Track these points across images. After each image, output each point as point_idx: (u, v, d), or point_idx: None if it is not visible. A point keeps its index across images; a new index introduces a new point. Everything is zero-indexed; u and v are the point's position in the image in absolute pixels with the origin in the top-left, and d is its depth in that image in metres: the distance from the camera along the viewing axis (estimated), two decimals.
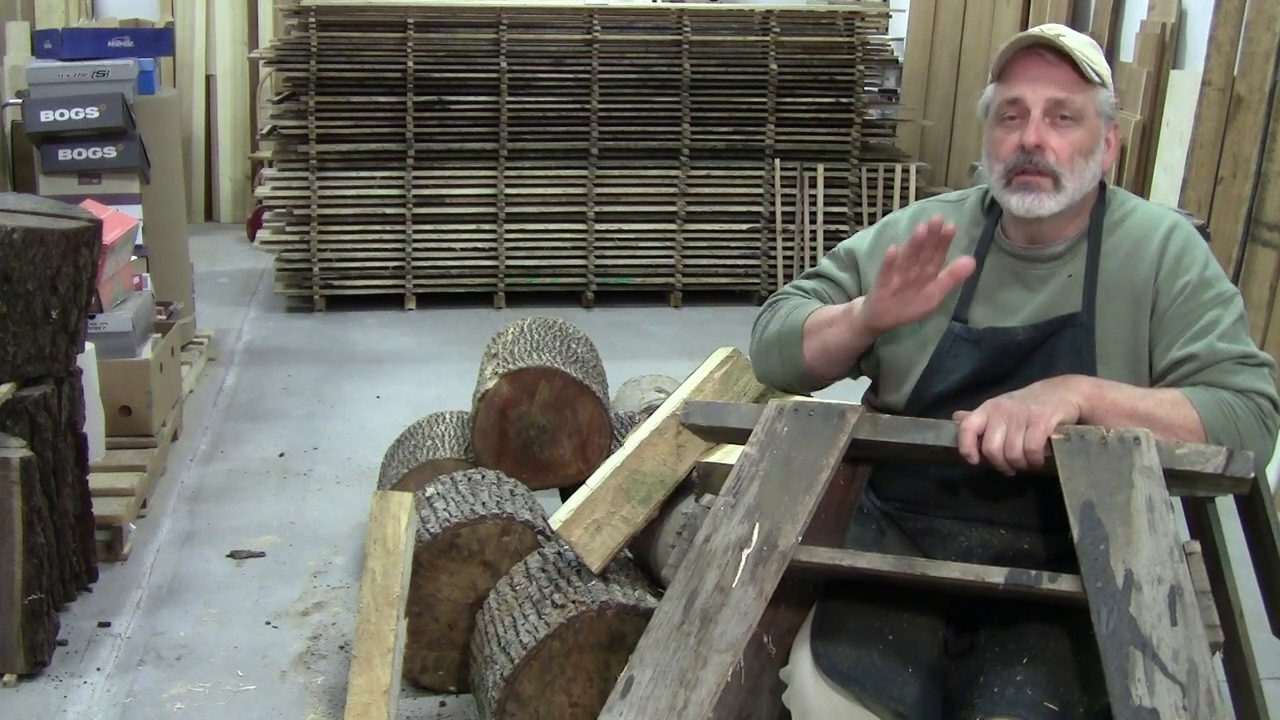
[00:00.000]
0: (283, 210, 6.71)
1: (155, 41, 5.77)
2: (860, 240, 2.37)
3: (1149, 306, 2.10)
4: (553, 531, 2.84)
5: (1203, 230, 2.76)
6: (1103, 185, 2.22)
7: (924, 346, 2.21)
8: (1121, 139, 5.94)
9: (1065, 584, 1.89)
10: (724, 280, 7.04)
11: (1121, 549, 1.85)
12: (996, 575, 1.92)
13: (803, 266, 6.96)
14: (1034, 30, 2.15)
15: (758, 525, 2.00)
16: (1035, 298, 2.16)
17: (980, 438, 1.96)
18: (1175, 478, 1.95)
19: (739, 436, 2.20)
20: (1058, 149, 2.10)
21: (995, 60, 2.18)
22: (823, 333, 2.22)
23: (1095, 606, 1.83)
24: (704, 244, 6.98)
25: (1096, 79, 2.12)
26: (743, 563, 1.97)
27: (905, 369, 2.22)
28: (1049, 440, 1.94)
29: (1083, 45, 2.13)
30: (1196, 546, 1.97)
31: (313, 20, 6.52)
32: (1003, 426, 1.94)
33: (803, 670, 2.02)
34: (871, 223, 7.32)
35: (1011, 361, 2.14)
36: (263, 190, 6.94)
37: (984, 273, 2.20)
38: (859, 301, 2.19)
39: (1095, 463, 1.92)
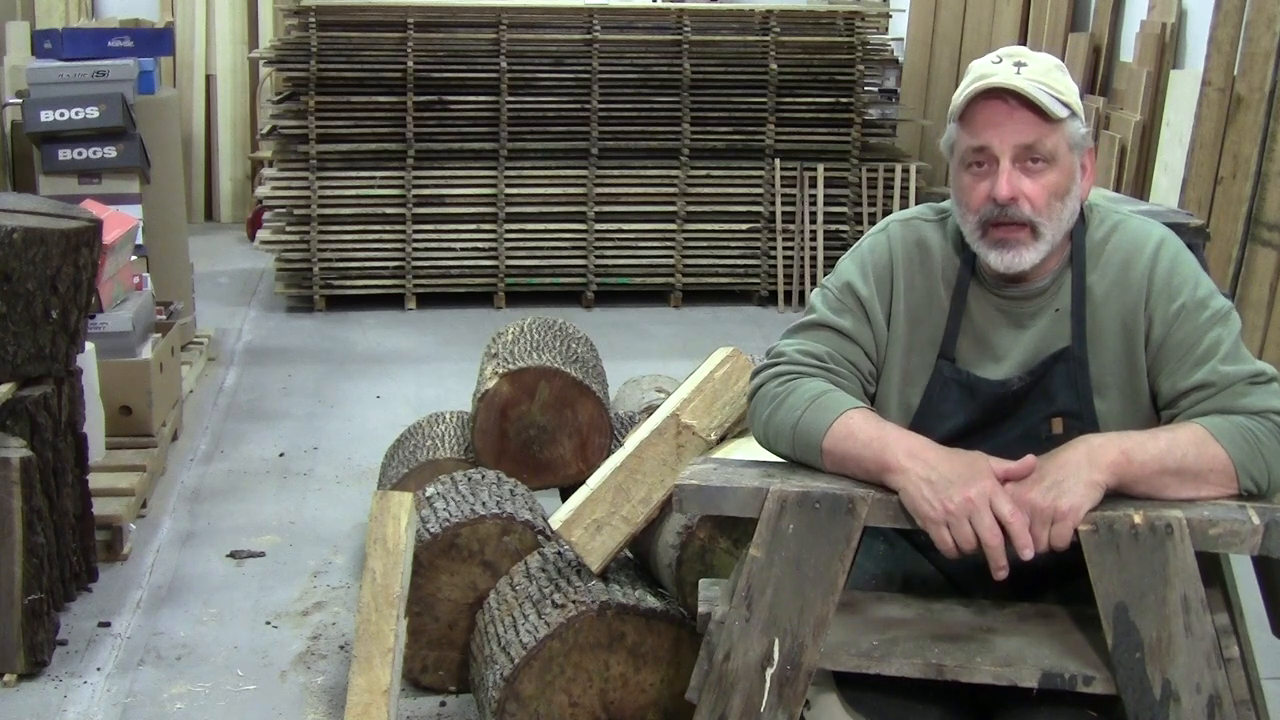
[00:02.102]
0: (283, 210, 6.71)
1: (155, 41, 5.77)
2: (849, 272, 2.17)
3: (1143, 335, 2.04)
4: (553, 531, 2.83)
5: (1203, 230, 2.75)
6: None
7: (911, 383, 2.14)
8: (1121, 139, 5.94)
9: (1100, 686, 1.86)
10: (724, 280, 7.04)
11: (1158, 656, 1.83)
12: (1030, 678, 1.87)
13: (803, 266, 6.97)
14: (991, 70, 2.02)
15: (777, 641, 1.94)
16: (1024, 336, 2.09)
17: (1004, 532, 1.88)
18: None
19: (737, 520, 2.09)
20: (1032, 196, 1.99)
21: (955, 101, 2.05)
22: (844, 461, 2.00)
23: (1133, 719, 1.83)
24: (704, 244, 6.98)
25: (1065, 113, 1.99)
26: (768, 684, 1.94)
27: (895, 405, 2.15)
28: (1076, 530, 1.87)
29: (1047, 73, 2.00)
30: (1235, 650, 1.89)
31: (313, 20, 6.52)
32: (1026, 521, 1.87)
33: (829, 705, 2.01)
34: (872, 223, 7.34)
35: (1008, 406, 2.09)
36: (263, 190, 6.95)
37: (969, 307, 2.12)
38: (889, 453, 1.95)
39: (1126, 558, 1.84)
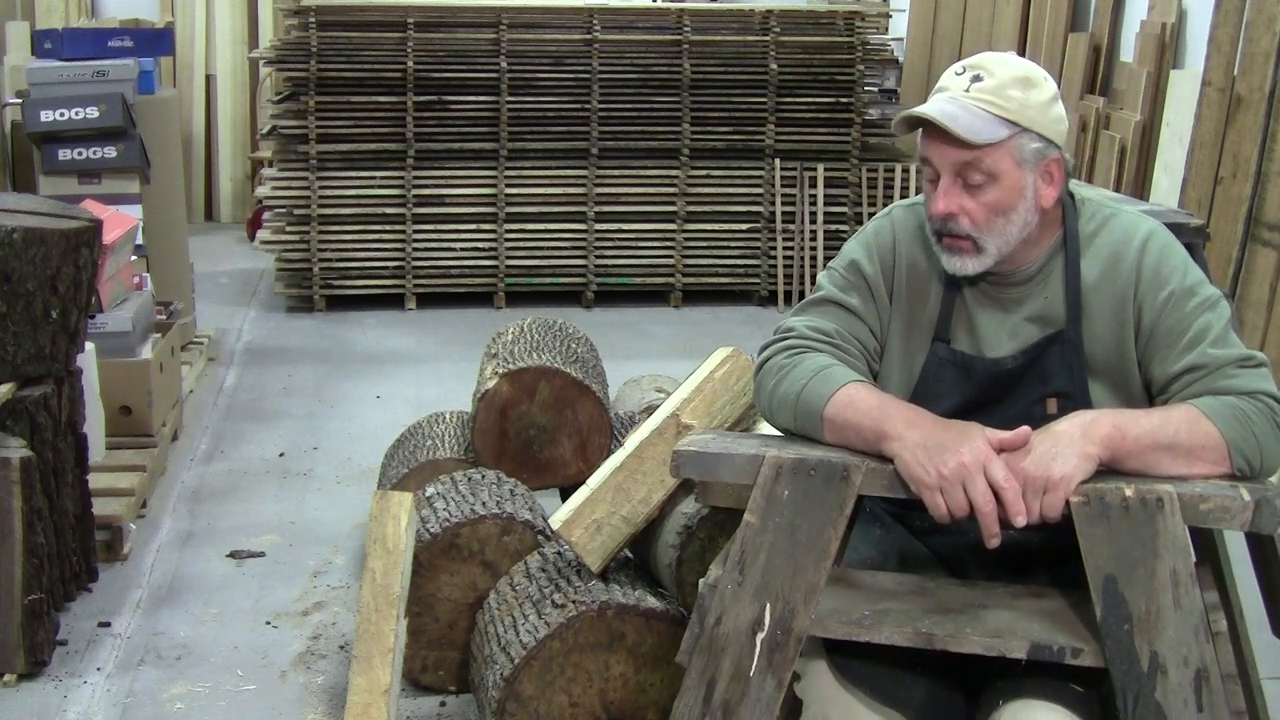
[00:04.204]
0: (283, 210, 6.71)
1: (155, 41, 5.77)
2: (855, 251, 2.22)
3: (1133, 323, 2.07)
4: (553, 531, 2.84)
5: (1203, 230, 2.75)
6: (1071, 195, 2.15)
7: (908, 364, 2.17)
8: (1121, 139, 5.94)
9: (1089, 659, 1.87)
10: (724, 280, 7.04)
11: (1146, 628, 1.84)
12: (1019, 650, 1.88)
13: (803, 266, 6.97)
14: (948, 83, 2.06)
15: (768, 606, 1.95)
16: (1012, 319, 2.13)
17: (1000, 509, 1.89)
18: None
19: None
20: (972, 213, 2.03)
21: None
22: (844, 430, 2.03)
23: (1120, 691, 1.83)
24: (704, 244, 6.99)
25: (1002, 134, 2.01)
26: (758, 649, 1.95)
27: (895, 382, 2.18)
28: (1068, 502, 1.88)
29: (1001, 89, 2.02)
30: (1223, 624, 1.90)
31: (313, 20, 6.52)
32: (1018, 489, 1.88)
33: (819, 673, 2.03)
34: None
35: (1003, 386, 2.12)
36: (263, 190, 6.95)
37: (961, 291, 2.15)
38: (887, 422, 1.97)
39: (1117, 530, 1.85)
